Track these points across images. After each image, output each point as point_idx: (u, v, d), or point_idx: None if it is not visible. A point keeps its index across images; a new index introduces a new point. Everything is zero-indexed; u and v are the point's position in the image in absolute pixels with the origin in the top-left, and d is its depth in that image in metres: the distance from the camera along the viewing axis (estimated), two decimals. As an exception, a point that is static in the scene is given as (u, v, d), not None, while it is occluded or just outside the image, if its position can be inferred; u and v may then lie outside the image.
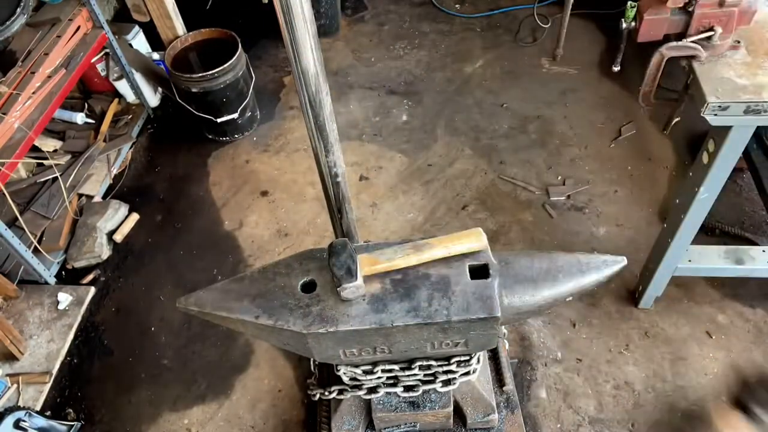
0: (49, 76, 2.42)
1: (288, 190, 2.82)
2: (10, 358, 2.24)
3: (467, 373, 1.04)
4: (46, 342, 2.32)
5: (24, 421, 1.91)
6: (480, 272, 0.89)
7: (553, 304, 0.86)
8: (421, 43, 3.52)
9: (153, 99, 3.23)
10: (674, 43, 1.52)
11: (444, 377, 1.04)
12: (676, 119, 2.04)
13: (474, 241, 0.96)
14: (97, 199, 2.81)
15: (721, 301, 2.26)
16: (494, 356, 1.42)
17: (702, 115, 1.47)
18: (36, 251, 2.44)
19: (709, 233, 2.40)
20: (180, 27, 2.98)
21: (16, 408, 1.98)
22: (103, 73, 3.06)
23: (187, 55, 3.02)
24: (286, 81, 3.41)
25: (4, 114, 2.21)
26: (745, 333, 2.18)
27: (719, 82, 1.46)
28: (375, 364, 1.00)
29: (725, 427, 0.89)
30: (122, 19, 3.25)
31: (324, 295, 0.88)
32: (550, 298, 1.05)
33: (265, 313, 0.87)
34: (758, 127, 1.55)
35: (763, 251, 2.01)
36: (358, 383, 1.07)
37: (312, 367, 1.35)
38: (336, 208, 1.14)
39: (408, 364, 1.00)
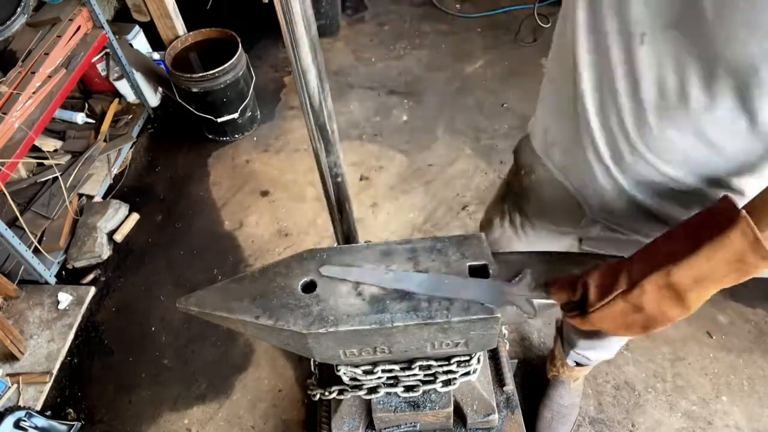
0: (50, 76, 2.41)
1: (288, 190, 2.82)
2: (11, 358, 2.24)
3: (467, 373, 1.04)
4: (47, 342, 2.32)
5: (24, 420, 1.92)
6: (480, 272, 0.89)
7: (554, 304, 0.86)
8: (421, 43, 3.52)
9: (153, 99, 3.23)
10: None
11: (444, 377, 1.04)
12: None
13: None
14: (98, 199, 2.81)
15: (722, 301, 2.25)
16: (494, 356, 1.42)
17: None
18: (36, 251, 2.44)
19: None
20: (180, 27, 2.98)
21: (16, 408, 1.99)
22: (103, 73, 3.06)
23: (188, 55, 3.02)
24: (286, 81, 3.41)
25: (4, 114, 2.21)
26: (746, 333, 2.18)
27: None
28: (375, 364, 1.00)
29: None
30: (122, 19, 3.25)
31: (324, 295, 0.88)
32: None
33: (265, 314, 0.87)
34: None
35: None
36: (358, 383, 1.07)
37: (312, 367, 1.35)
38: (336, 208, 1.13)
39: (408, 364, 1.00)
